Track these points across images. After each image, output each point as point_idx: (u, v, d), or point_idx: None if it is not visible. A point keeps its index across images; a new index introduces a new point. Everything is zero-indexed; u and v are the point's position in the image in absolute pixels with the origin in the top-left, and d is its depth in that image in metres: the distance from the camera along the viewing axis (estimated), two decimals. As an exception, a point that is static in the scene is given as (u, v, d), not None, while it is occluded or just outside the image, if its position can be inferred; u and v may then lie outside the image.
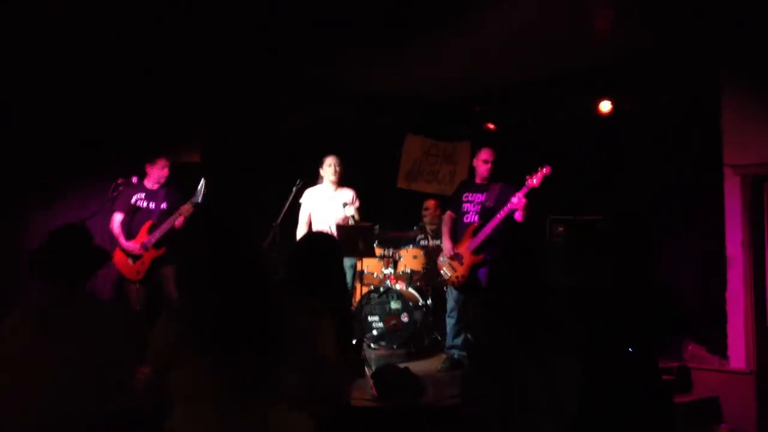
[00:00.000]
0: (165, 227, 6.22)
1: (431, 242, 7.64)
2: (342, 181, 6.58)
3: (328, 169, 6.49)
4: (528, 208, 5.88)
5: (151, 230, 6.26)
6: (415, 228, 7.94)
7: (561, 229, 6.93)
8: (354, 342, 5.76)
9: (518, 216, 5.89)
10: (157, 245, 6.23)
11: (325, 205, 6.50)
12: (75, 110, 6.61)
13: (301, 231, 6.55)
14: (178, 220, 6.24)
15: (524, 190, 5.87)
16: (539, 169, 5.90)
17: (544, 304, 2.94)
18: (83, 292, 3.06)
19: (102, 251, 3.31)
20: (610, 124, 7.37)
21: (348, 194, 6.53)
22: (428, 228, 7.85)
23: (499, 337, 2.93)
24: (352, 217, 6.35)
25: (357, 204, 6.49)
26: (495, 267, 3.11)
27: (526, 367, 2.79)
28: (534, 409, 2.75)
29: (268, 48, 6.38)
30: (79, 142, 6.65)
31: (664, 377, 4.81)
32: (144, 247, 6.21)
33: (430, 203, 8.00)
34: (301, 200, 6.60)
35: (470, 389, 2.97)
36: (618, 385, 3.45)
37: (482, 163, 6.24)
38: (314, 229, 6.44)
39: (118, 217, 6.32)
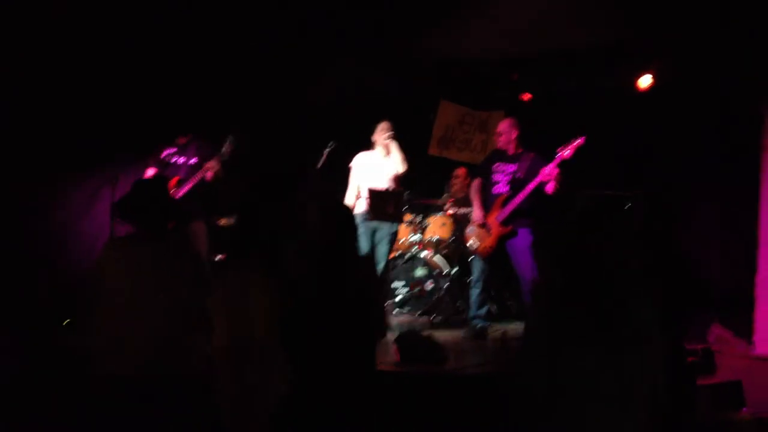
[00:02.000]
0: (191, 183, 6.23)
1: (459, 211, 7.60)
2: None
3: (379, 134, 6.48)
4: (560, 180, 5.81)
5: (178, 185, 6.28)
6: (444, 195, 7.90)
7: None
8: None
9: (549, 188, 5.82)
10: (184, 200, 6.25)
11: (375, 171, 6.51)
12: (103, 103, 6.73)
13: (351, 193, 6.58)
14: (207, 175, 6.25)
15: (556, 161, 5.79)
16: (572, 140, 5.82)
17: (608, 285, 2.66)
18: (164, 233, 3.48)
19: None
20: (648, 97, 7.24)
21: (396, 156, 6.51)
22: (457, 196, 7.81)
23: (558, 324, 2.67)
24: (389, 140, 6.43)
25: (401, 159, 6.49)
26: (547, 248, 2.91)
27: (594, 358, 2.53)
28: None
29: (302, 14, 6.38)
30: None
31: (689, 359, 4.79)
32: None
33: (460, 171, 7.95)
34: (351, 164, 6.63)
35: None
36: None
37: (496, 134, 6.22)
38: (362, 192, 6.46)
39: (149, 173, 6.37)
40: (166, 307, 3.28)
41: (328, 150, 6.58)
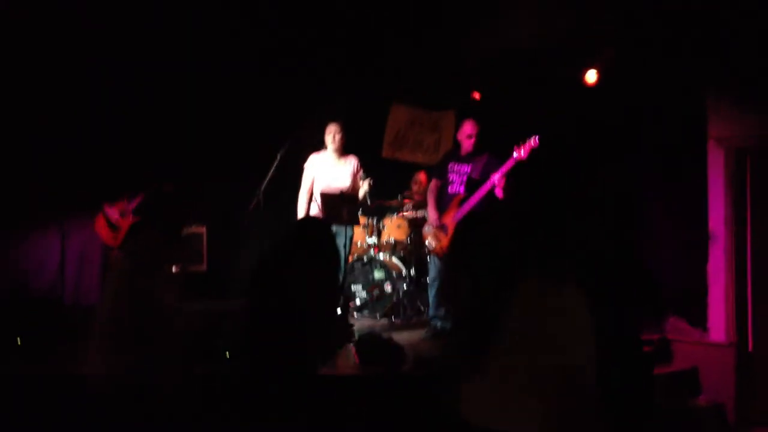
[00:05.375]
0: (142, 195, 6.20)
1: (417, 213, 7.57)
2: (345, 149, 6.53)
3: (329, 137, 6.44)
4: (506, 187, 5.83)
5: (130, 197, 6.24)
6: (398, 197, 7.88)
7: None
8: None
9: (498, 192, 5.86)
10: (136, 212, 6.20)
11: (329, 173, 6.45)
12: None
13: (302, 197, 6.52)
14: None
15: (509, 163, 5.80)
16: (527, 140, 5.83)
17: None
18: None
19: None
20: (596, 96, 7.28)
21: (353, 162, 6.51)
22: (415, 199, 7.78)
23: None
24: (366, 190, 6.40)
25: (369, 183, 6.45)
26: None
27: None
28: None
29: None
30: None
31: (645, 348, 4.84)
32: (122, 213, 6.20)
33: (421, 177, 7.90)
34: (304, 166, 6.56)
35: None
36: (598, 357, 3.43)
37: (466, 138, 6.19)
38: (315, 195, 6.41)
39: None
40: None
41: (280, 155, 6.53)
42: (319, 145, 6.57)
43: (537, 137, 5.78)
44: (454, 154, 6.33)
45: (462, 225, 5.97)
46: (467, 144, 6.19)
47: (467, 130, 6.18)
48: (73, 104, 6.72)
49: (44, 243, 6.89)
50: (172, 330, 3.76)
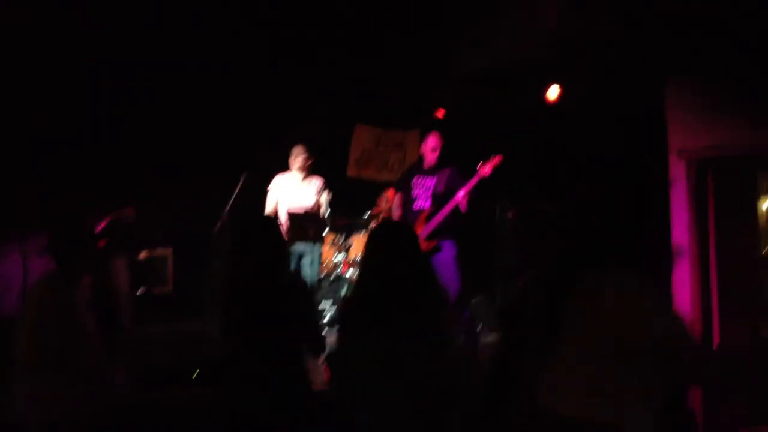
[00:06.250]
0: (108, 218, 6.11)
1: None
2: (311, 170, 6.58)
3: (292, 158, 6.45)
4: (469, 199, 5.86)
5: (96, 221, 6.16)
6: (367, 213, 7.84)
7: (511, 214, 6.96)
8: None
9: (462, 206, 5.89)
10: (101, 235, 6.11)
11: (294, 193, 6.45)
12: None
13: None
14: (127, 212, 6.17)
15: (474, 180, 5.83)
16: (491, 157, 5.87)
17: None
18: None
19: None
20: (558, 112, 7.35)
21: (317, 182, 6.54)
22: (384, 216, 7.75)
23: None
24: (328, 202, 6.47)
25: (328, 194, 6.49)
26: None
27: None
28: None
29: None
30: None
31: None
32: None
33: (389, 194, 7.87)
34: (269, 188, 6.55)
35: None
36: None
37: (430, 151, 6.18)
38: (280, 215, 6.41)
39: None
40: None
41: (243, 178, 6.52)
42: (284, 167, 6.57)
43: (500, 155, 5.83)
44: (418, 167, 6.31)
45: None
46: (431, 157, 6.17)
47: (431, 143, 6.17)
48: (29, 125, 6.62)
49: (6, 264, 6.75)
50: (95, 357, 3.56)
